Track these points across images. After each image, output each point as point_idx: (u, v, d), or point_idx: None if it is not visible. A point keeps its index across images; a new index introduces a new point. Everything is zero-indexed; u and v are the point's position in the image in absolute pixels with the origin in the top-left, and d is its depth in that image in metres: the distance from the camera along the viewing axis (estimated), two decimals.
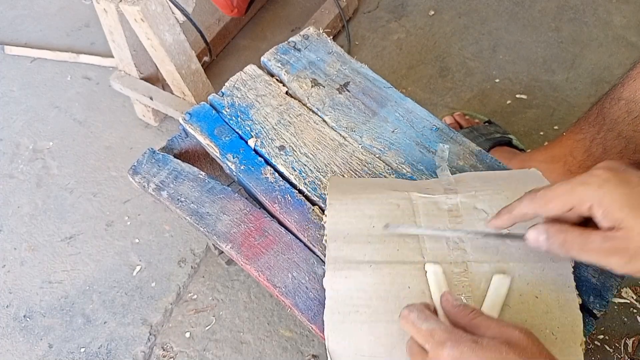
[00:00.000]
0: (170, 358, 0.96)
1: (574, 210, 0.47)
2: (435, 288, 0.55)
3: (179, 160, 0.72)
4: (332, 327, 0.55)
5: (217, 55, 1.34)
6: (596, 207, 0.46)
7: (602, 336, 0.91)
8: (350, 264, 0.57)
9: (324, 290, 0.58)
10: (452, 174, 0.66)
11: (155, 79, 1.18)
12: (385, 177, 0.68)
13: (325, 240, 0.60)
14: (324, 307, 0.56)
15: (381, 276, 0.56)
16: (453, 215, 0.60)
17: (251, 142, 0.71)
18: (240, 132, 0.72)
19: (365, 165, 0.69)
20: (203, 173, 0.70)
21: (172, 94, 1.14)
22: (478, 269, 0.57)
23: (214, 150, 0.71)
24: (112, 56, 1.18)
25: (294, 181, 0.68)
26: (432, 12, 1.37)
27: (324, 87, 0.75)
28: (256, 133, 0.72)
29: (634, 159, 0.76)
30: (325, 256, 0.60)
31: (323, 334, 0.57)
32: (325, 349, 0.55)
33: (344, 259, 0.58)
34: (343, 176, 0.68)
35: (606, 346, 0.90)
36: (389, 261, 0.57)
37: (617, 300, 0.94)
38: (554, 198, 0.48)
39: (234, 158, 0.70)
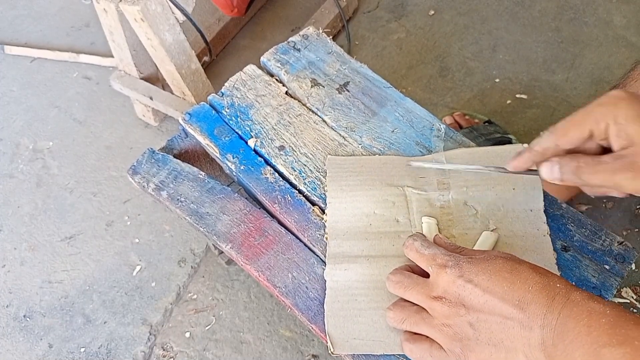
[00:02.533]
0: (170, 358, 0.96)
1: (593, 134, 0.48)
2: (428, 236, 0.60)
3: (179, 160, 0.72)
4: (332, 314, 0.58)
5: (217, 55, 1.34)
6: (611, 125, 0.46)
7: None
8: (349, 258, 0.61)
9: (324, 290, 0.60)
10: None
11: (155, 79, 1.18)
12: None
13: (326, 238, 0.63)
14: (324, 298, 0.59)
15: (377, 268, 0.60)
16: (445, 212, 0.63)
17: (251, 142, 0.71)
18: (240, 132, 0.72)
19: None
20: (203, 173, 0.70)
21: (172, 94, 1.14)
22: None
23: (213, 151, 0.71)
24: (112, 56, 1.18)
25: (293, 181, 0.68)
26: (432, 12, 1.37)
27: (323, 87, 0.75)
28: (256, 133, 0.72)
29: None
30: (325, 256, 0.62)
31: (323, 334, 0.57)
32: (326, 347, 0.56)
33: (343, 254, 0.61)
34: None
35: None
36: (385, 255, 0.61)
37: (617, 300, 0.94)
38: (573, 125, 0.49)
39: (233, 158, 0.70)
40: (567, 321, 0.42)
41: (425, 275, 0.53)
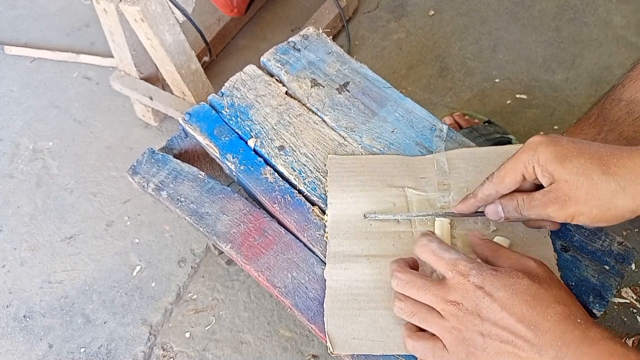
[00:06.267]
0: (170, 358, 0.96)
1: (524, 177, 0.54)
2: (440, 237, 0.60)
3: (179, 160, 0.72)
4: (332, 314, 0.58)
5: (217, 55, 1.34)
6: (536, 166, 0.53)
7: None
8: (349, 257, 0.61)
9: (324, 290, 0.60)
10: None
11: (155, 79, 1.18)
12: None
13: (326, 237, 0.63)
14: (324, 298, 0.59)
15: (378, 268, 0.60)
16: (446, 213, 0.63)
17: (251, 142, 0.71)
18: (239, 132, 0.72)
19: None
20: (203, 173, 0.70)
21: (172, 94, 1.14)
22: None
23: (213, 151, 0.71)
24: (112, 56, 1.18)
25: (293, 181, 0.68)
26: (432, 12, 1.37)
27: (323, 87, 0.75)
28: (256, 133, 0.72)
29: None
30: (324, 256, 0.62)
31: (323, 334, 0.57)
32: (326, 347, 0.56)
33: (343, 253, 0.61)
34: None
35: None
36: (385, 254, 0.61)
37: (617, 300, 0.94)
38: (507, 173, 0.55)
39: (233, 158, 0.70)
40: (583, 358, 0.43)
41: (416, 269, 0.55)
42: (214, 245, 0.95)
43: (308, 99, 0.75)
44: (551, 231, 0.62)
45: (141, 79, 1.15)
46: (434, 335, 0.51)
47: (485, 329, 0.47)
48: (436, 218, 0.62)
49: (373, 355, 0.56)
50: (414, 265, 0.56)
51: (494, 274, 0.49)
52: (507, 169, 0.55)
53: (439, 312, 0.50)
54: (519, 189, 0.56)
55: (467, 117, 1.12)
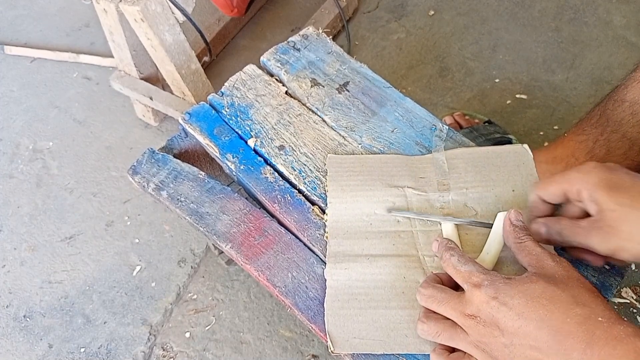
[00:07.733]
0: (170, 358, 0.96)
1: (567, 195, 0.54)
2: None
3: (179, 160, 0.72)
4: (332, 313, 0.58)
5: (217, 55, 1.34)
6: (583, 190, 0.52)
7: None
8: (349, 257, 0.61)
9: (324, 289, 0.60)
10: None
11: (155, 79, 1.18)
12: None
13: (327, 237, 0.63)
14: (324, 298, 0.59)
15: (378, 267, 0.60)
16: (445, 213, 0.64)
17: (251, 142, 0.71)
18: (239, 132, 0.72)
19: None
20: (203, 173, 0.70)
21: (172, 94, 1.14)
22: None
23: (213, 150, 0.71)
24: (112, 56, 1.18)
25: (293, 181, 0.68)
26: (432, 12, 1.37)
27: (323, 86, 0.75)
28: (256, 133, 0.72)
29: (638, 160, 0.75)
30: (325, 255, 0.62)
31: (323, 334, 0.57)
32: (326, 347, 0.56)
33: (343, 253, 0.61)
34: None
35: None
36: (386, 254, 0.61)
37: (617, 300, 0.94)
38: (552, 182, 0.55)
39: (233, 158, 0.70)
40: (608, 359, 0.42)
41: (457, 285, 0.53)
42: (214, 245, 0.95)
43: (308, 98, 0.75)
44: None
45: (141, 79, 1.15)
46: (465, 353, 0.50)
47: (507, 340, 0.46)
48: (442, 222, 0.62)
49: (374, 354, 0.56)
50: (448, 279, 0.55)
51: (507, 282, 0.48)
52: (554, 179, 0.55)
53: (462, 328, 0.50)
54: (565, 214, 0.55)
55: (467, 117, 1.12)
